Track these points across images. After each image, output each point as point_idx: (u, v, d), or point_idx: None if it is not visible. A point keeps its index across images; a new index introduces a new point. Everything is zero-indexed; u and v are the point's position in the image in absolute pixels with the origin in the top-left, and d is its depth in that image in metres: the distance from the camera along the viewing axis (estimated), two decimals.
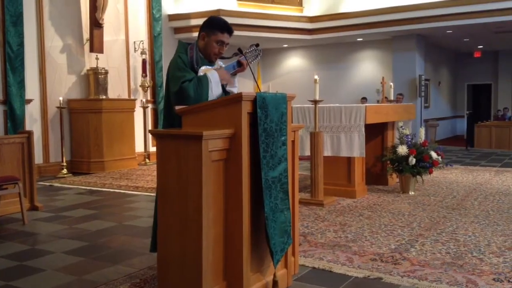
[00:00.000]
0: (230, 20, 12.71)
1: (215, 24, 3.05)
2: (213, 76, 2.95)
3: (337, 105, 5.78)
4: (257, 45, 3.22)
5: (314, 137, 5.31)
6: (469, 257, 3.46)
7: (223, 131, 2.49)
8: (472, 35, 12.93)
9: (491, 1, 10.13)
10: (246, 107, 2.53)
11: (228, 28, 3.05)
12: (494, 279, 3.03)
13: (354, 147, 5.54)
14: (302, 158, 6.54)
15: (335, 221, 4.61)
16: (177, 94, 2.87)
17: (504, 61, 16.95)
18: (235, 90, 3.21)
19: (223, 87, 3.13)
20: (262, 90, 3.10)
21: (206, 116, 2.61)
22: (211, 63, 3.12)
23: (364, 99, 12.98)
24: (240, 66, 3.13)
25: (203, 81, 2.90)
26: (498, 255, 3.51)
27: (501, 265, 3.30)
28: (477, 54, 16.57)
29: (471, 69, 17.59)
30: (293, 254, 3.08)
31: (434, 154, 5.85)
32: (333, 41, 13.24)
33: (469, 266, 3.28)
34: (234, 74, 3.17)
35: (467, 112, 14.05)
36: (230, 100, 2.55)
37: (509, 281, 3.01)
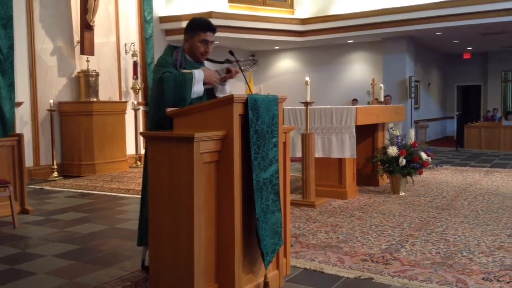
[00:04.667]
0: (221, 22, 12.70)
1: (196, 24, 3.09)
2: (198, 73, 2.99)
3: (328, 106, 5.81)
4: (253, 55, 3.25)
5: (306, 139, 5.34)
6: (458, 257, 3.50)
7: (214, 133, 2.50)
8: (461, 37, 13.06)
9: (480, 3, 10.25)
10: (237, 109, 2.54)
11: (209, 27, 3.09)
12: (483, 278, 3.07)
13: (345, 148, 5.58)
14: (293, 160, 6.55)
15: (327, 222, 4.63)
16: (158, 83, 2.90)
17: (493, 62, 17.14)
18: None
19: (212, 92, 3.15)
20: (253, 92, 3.12)
21: (198, 118, 2.62)
22: (198, 63, 3.15)
23: (354, 101, 13.05)
24: (229, 73, 3.14)
25: (187, 75, 2.94)
26: (488, 255, 3.55)
27: (491, 264, 3.34)
28: (466, 56, 16.73)
29: (460, 70, 17.76)
30: (285, 255, 3.09)
31: (424, 155, 5.90)
32: (324, 43, 13.31)
33: (459, 265, 3.32)
34: (223, 80, 3.17)
35: (457, 113, 14.17)
36: (221, 102, 2.56)
37: (498, 280, 3.05)
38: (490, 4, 10.18)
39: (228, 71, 3.14)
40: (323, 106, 5.83)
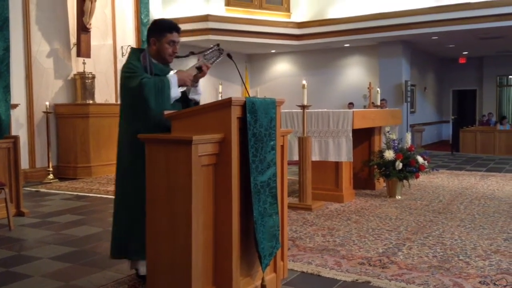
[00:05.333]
0: (218, 25, 12.70)
1: (162, 26, 3.08)
2: (172, 77, 2.97)
3: (325, 110, 5.82)
4: (217, 45, 3.19)
5: (302, 142, 5.34)
6: (455, 261, 3.51)
7: (212, 136, 2.50)
8: (457, 41, 13.13)
9: (476, 7, 10.32)
10: (235, 112, 2.54)
11: (175, 27, 3.08)
12: (480, 282, 3.07)
13: (342, 151, 5.58)
14: (290, 163, 6.55)
15: (323, 225, 4.63)
16: (138, 89, 2.84)
17: (489, 67, 17.24)
18: (198, 97, 3.19)
19: (186, 94, 3.13)
20: (250, 95, 3.11)
21: (196, 120, 2.61)
22: (166, 65, 3.13)
23: (351, 104, 13.09)
24: (200, 71, 3.10)
25: (164, 80, 2.92)
26: (484, 258, 3.55)
27: (487, 268, 3.35)
28: (462, 60, 16.83)
29: (456, 74, 17.85)
30: (282, 258, 3.09)
31: (420, 159, 5.91)
32: (321, 46, 13.36)
33: (456, 269, 3.32)
34: (195, 81, 3.12)
35: (452, 117, 14.24)
36: (219, 105, 2.56)
37: (495, 284, 3.05)
38: (487, 9, 10.25)
39: (199, 69, 3.10)
40: (320, 110, 5.84)
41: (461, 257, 3.58)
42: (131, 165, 2.96)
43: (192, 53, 3.18)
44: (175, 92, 2.96)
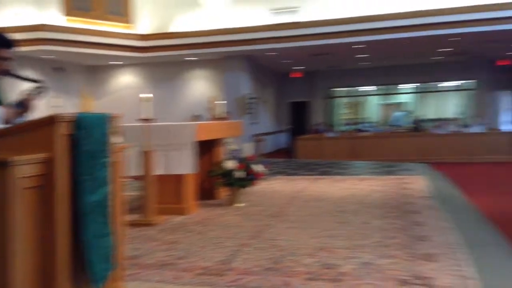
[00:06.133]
0: (56, 35, 11.93)
1: None
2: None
3: (169, 123, 5.85)
4: (37, 81, 3.06)
5: (145, 156, 5.29)
6: (286, 260, 3.80)
7: (35, 155, 2.34)
8: (293, 57, 14.34)
9: (307, 26, 11.41)
10: (62, 129, 2.41)
11: (6, 43, 2.89)
12: (306, 278, 3.38)
13: (186, 164, 5.65)
14: (131, 178, 6.41)
15: (165, 239, 4.62)
16: None
17: (320, 80, 19.19)
18: None
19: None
20: (90, 109, 3.02)
21: (18, 140, 2.42)
22: None
23: (196, 117, 13.34)
24: (22, 107, 2.96)
25: None
26: (312, 256, 3.90)
27: (314, 265, 3.69)
28: (296, 74, 18.45)
29: (292, 88, 19.45)
30: (118, 279, 2.99)
31: (259, 167, 6.30)
32: (166, 59, 13.39)
33: (286, 268, 3.60)
34: (20, 115, 2.98)
35: (287, 127, 15.46)
36: (41, 122, 2.41)
37: (320, 279, 3.37)
38: (314, 28, 11.39)
39: (20, 105, 2.95)
40: (164, 123, 5.85)
41: (291, 257, 3.89)
42: None
43: (18, 77, 2.95)
44: None
